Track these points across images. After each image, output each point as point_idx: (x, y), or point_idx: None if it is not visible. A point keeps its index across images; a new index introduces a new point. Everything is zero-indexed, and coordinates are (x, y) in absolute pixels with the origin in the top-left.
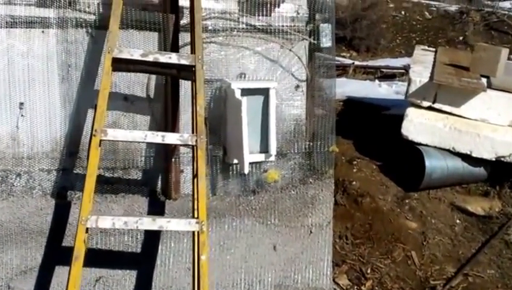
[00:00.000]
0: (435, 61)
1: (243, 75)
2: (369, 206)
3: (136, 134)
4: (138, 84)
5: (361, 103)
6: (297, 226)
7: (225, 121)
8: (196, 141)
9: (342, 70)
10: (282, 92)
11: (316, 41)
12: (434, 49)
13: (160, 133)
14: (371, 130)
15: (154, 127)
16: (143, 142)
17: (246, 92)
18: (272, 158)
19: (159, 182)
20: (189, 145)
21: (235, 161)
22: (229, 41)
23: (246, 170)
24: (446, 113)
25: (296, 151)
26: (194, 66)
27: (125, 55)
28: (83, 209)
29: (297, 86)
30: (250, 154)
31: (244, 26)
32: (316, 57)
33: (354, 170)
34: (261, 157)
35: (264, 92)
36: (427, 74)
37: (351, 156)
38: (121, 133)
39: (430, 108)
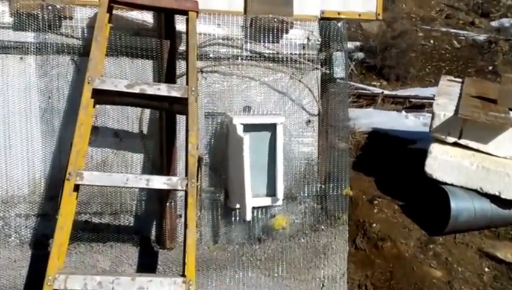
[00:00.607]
0: (461, 93)
1: (249, 109)
2: (390, 252)
3: (115, 178)
4: (130, 118)
5: (386, 135)
6: (307, 279)
7: (227, 160)
8: (187, 185)
9: (371, 100)
10: (291, 127)
11: (329, 71)
12: (461, 80)
13: (144, 177)
14: (395, 165)
15: (149, 166)
16: (124, 187)
17: (249, 128)
18: (279, 202)
19: (153, 229)
20: (178, 190)
21: (238, 206)
22: (233, 70)
23: (248, 217)
24: (473, 150)
25: (306, 194)
26: (187, 99)
27: (108, 86)
28: (50, 267)
29: (309, 121)
30: (255, 198)
31: (249, 53)
32: (329, 88)
33: (375, 211)
34: (267, 201)
35: (271, 128)
36: (452, 108)
37: (372, 195)
38: (98, 177)
39: (455, 144)
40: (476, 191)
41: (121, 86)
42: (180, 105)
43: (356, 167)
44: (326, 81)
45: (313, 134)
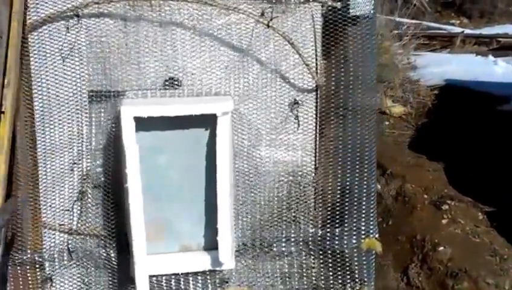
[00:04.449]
0: None
1: (176, 83)
2: None
3: None
4: None
5: (466, 90)
6: None
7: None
8: None
9: (447, 42)
10: (258, 117)
11: (337, 4)
12: None
13: None
14: (478, 142)
15: None
16: None
17: (159, 124)
18: (227, 265)
19: None
20: None
21: None
22: (142, 12)
23: None
24: None
25: (291, 241)
26: None
27: None
28: None
29: (295, 104)
30: (175, 256)
31: None
32: (341, 38)
33: (443, 221)
34: (201, 261)
35: (208, 123)
36: None
37: (439, 194)
38: None
39: None
40: None
41: None
42: None
43: (415, 147)
44: (334, 24)
45: (305, 128)
